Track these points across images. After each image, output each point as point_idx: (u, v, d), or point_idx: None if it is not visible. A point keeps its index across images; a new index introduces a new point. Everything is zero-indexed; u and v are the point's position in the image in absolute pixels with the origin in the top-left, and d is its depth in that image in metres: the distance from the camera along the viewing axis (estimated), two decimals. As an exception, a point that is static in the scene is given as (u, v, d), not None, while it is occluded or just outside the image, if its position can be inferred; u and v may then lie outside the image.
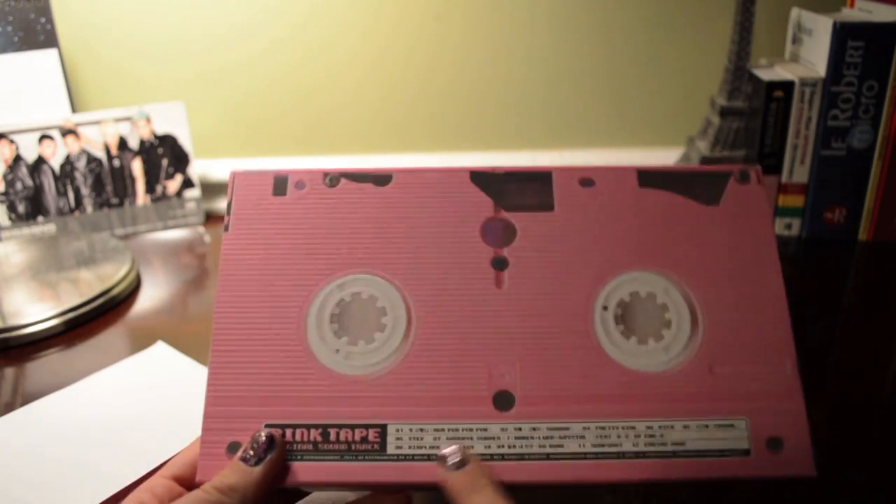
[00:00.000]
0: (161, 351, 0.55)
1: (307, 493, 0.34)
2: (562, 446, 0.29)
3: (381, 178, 0.33)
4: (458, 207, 0.32)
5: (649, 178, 0.33)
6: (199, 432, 0.30)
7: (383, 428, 0.29)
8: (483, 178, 0.33)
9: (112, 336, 0.59)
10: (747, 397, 0.29)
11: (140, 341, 0.57)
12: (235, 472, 0.27)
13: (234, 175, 0.33)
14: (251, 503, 0.27)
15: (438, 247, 0.32)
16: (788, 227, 0.72)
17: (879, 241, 0.70)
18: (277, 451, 0.28)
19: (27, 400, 0.50)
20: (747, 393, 0.29)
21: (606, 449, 0.29)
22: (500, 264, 0.31)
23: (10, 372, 0.55)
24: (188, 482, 0.30)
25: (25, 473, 0.43)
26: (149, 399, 0.49)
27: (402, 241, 0.32)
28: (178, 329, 0.59)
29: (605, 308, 0.31)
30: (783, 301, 0.31)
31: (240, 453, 0.28)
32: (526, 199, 0.32)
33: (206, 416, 0.29)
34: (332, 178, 0.33)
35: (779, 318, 0.31)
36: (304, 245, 0.32)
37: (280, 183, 0.33)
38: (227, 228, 0.32)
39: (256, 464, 0.27)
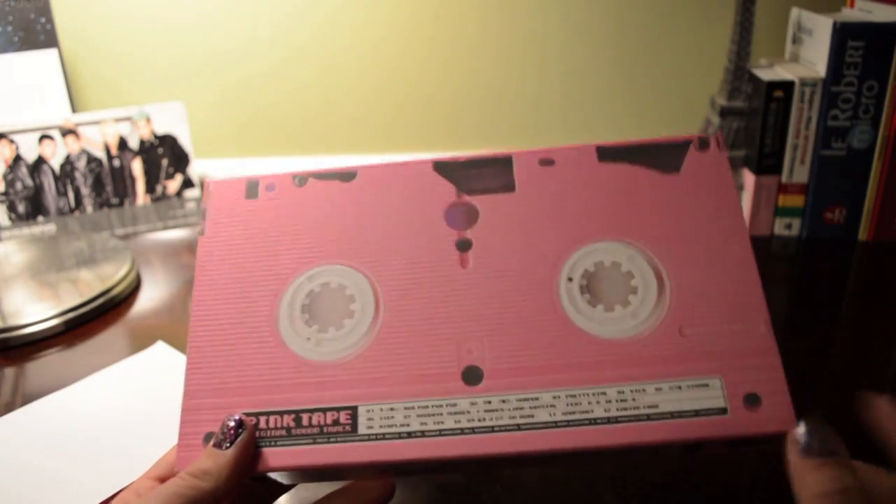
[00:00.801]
0: (161, 351, 0.55)
1: (290, 488, 0.35)
2: (532, 416, 0.29)
3: (346, 175, 0.34)
4: (421, 195, 0.33)
5: (608, 152, 0.33)
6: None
7: (354, 409, 0.29)
8: (445, 167, 0.34)
9: (112, 336, 0.59)
10: (721, 356, 0.29)
11: (140, 341, 0.57)
12: (209, 457, 0.28)
13: (209, 184, 0.35)
14: (226, 485, 0.27)
15: (403, 233, 0.32)
16: (788, 227, 0.72)
17: (879, 241, 0.70)
18: (247, 434, 0.29)
19: (27, 400, 0.50)
20: (720, 352, 0.29)
21: (577, 416, 0.28)
22: (463, 246, 0.32)
23: (10, 372, 0.55)
24: None
25: (25, 473, 0.43)
26: (149, 399, 0.50)
27: (368, 231, 0.33)
28: (178, 329, 0.59)
29: (569, 279, 0.31)
30: (752, 262, 0.31)
31: (212, 440, 0.29)
32: (487, 182, 0.33)
33: (184, 410, 0.30)
34: (301, 179, 0.34)
35: (749, 278, 0.30)
36: (275, 243, 0.33)
37: (252, 187, 0.34)
38: (202, 233, 0.34)
39: (228, 447, 0.28)
